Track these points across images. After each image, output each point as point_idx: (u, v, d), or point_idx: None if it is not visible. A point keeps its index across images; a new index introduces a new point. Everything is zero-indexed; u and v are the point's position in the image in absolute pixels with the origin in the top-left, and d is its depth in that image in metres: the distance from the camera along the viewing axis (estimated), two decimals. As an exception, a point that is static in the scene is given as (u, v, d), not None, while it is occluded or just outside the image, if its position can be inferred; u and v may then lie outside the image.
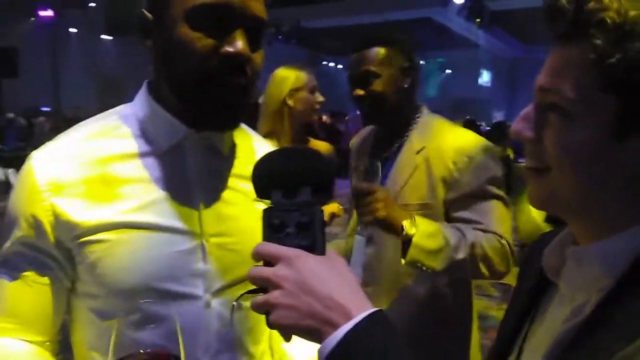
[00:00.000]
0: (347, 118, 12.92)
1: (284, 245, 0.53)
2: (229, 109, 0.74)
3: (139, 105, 0.82)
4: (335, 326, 0.49)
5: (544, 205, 0.59)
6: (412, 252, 1.25)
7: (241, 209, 0.82)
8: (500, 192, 1.40)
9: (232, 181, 0.83)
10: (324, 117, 13.12)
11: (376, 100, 1.46)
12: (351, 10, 14.76)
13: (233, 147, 0.86)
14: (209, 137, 0.81)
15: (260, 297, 0.52)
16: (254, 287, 0.78)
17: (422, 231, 1.26)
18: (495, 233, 1.34)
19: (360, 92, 1.46)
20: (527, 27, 15.69)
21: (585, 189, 0.54)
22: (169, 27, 0.72)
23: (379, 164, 1.47)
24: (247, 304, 0.77)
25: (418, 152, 1.43)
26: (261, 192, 0.59)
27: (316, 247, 0.54)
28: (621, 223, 0.53)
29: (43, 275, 0.77)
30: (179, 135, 0.79)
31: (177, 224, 0.77)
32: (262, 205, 0.81)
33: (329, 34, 17.03)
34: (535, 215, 5.98)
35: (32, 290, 0.77)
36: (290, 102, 1.95)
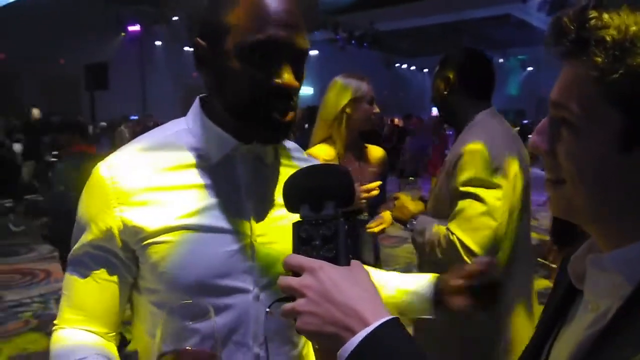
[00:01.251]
0: (418, 119, 12.64)
1: (311, 256, 0.58)
2: (275, 126, 0.83)
3: (192, 120, 0.90)
4: (353, 332, 0.53)
5: (563, 215, 0.61)
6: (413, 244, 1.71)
7: (283, 213, 0.86)
8: (477, 192, 1.53)
9: (276, 188, 0.92)
10: (396, 120, 12.99)
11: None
12: (426, 10, 14.49)
13: (276, 157, 0.95)
14: (256, 149, 0.89)
15: (288, 305, 0.57)
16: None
17: (416, 230, 1.68)
18: (449, 230, 1.55)
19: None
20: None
21: (597, 200, 0.56)
22: (221, 58, 0.80)
23: None
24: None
25: (451, 151, 1.68)
26: (291, 206, 0.65)
27: (339, 258, 0.58)
28: (636, 232, 0.55)
29: (110, 273, 0.86)
30: (229, 148, 0.87)
31: (229, 226, 0.85)
32: None
33: (403, 35, 16.83)
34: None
35: (100, 287, 0.86)
36: (348, 111, 2.02)
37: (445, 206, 1.62)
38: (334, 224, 0.59)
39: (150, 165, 0.85)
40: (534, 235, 2.26)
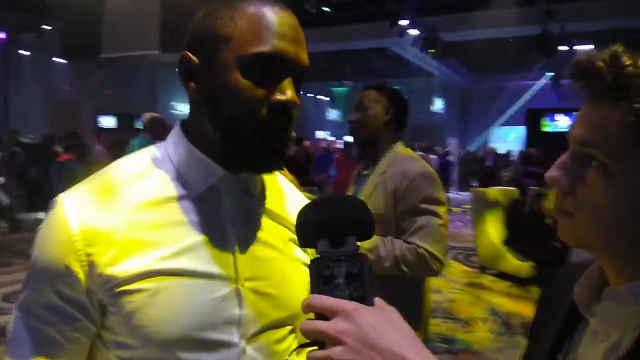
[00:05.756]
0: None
1: (335, 296, 0.52)
2: (275, 151, 0.75)
3: (172, 146, 0.81)
4: None
5: (573, 244, 0.63)
6: None
7: (274, 251, 0.82)
8: (433, 208, 1.81)
9: (264, 222, 0.83)
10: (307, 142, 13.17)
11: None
12: (312, 38, 15.00)
13: (263, 188, 0.86)
14: (243, 178, 0.80)
15: (321, 353, 0.51)
16: (284, 331, 0.81)
17: (365, 246, 1.72)
18: (414, 244, 1.77)
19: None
20: (478, 58, 16.44)
21: (616, 237, 0.58)
22: (218, 73, 0.73)
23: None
24: (279, 348, 0.81)
25: (381, 174, 1.91)
26: (306, 241, 0.59)
27: (367, 297, 0.53)
28: None
29: (69, 326, 0.73)
30: (215, 177, 0.78)
31: (214, 268, 0.75)
32: (299, 250, 0.84)
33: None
34: (494, 238, 6.22)
35: (55, 341, 0.73)
36: None
37: (388, 227, 1.83)
38: (359, 261, 0.54)
39: (123, 200, 0.74)
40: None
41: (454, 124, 21.39)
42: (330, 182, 9.76)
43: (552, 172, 0.62)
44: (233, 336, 0.76)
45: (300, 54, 0.74)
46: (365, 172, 2.04)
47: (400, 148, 1.99)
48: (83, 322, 0.74)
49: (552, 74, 16.64)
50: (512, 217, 6.05)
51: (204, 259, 0.75)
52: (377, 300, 0.54)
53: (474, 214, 6.73)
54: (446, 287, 5.41)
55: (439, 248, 1.79)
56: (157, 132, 5.09)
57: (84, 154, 6.14)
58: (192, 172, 0.78)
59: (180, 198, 0.77)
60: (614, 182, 0.57)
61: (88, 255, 0.71)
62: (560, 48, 13.34)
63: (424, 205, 1.81)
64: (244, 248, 0.79)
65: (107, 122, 16.90)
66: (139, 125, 13.08)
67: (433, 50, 13.83)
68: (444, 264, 1.82)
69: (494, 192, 6.77)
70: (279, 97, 0.73)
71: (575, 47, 14.33)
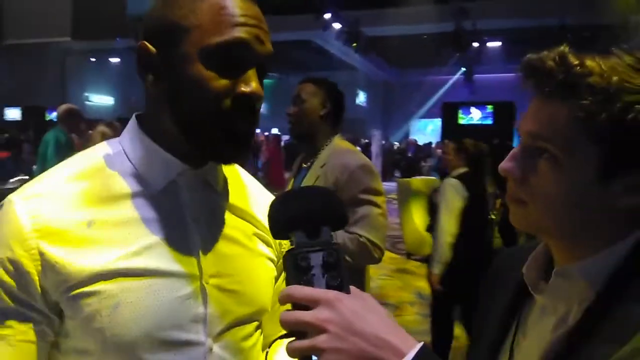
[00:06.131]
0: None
1: (313, 286, 0.53)
2: (240, 140, 0.73)
3: (128, 141, 0.77)
4: None
5: (525, 230, 0.68)
6: None
7: (238, 246, 0.81)
8: (372, 198, 1.87)
9: (227, 217, 0.81)
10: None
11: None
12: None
13: (225, 182, 0.83)
14: (204, 173, 0.78)
15: (305, 342, 0.51)
16: (251, 327, 0.82)
17: None
18: (356, 233, 1.82)
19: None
20: (398, 53, 17.00)
21: (567, 223, 0.63)
22: (179, 64, 0.70)
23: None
24: (245, 345, 0.80)
25: (322, 167, 1.93)
26: (280, 232, 0.59)
27: (344, 286, 0.54)
28: (597, 245, 0.63)
29: (27, 331, 0.68)
30: (174, 172, 0.75)
31: (177, 267, 0.72)
32: (263, 245, 0.84)
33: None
34: (418, 225, 6.51)
35: (13, 351, 0.67)
36: None
37: None
38: (335, 250, 0.55)
39: (79, 196, 0.71)
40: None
41: (377, 117, 22.00)
42: (258, 175, 9.76)
43: (505, 164, 0.66)
44: (199, 335, 0.74)
45: (265, 43, 0.72)
46: (305, 165, 2.07)
47: (338, 141, 2.03)
48: (40, 326, 0.69)
49: (465, 69, 17.60)
50: (433, 205, 6.37)
51: (165, 258, 0.72)
52: (352, 287, 0.54)
53: (399, 203, 6.99)
54: (376, 274, 5.59)
55: (379, 236, 1.86)
56: (73, 126, 4.79)
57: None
58: (151, 168, 0.75)
59: (138, 195, 0.74)
60: (563, 172, 0.61)
61: (42, 253, 0.67)
62: (473, 44, 14.12)
63: (363, 196, 1.86)
64: (207, 244, 0.77)
65: (12, 114, 15.59)
66: (50, 117, 12.21)
67: (355, 44, 14.13)
68: (384, 252, 1.89)
69: (417, 181, 7.08)
70: (243, 88, 0.70)
71: (487, 44, 15.23)
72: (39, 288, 0.67)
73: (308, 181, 1.97)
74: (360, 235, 1.83)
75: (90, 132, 4.13)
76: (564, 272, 0.65)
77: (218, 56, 0.69)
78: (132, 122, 0.79)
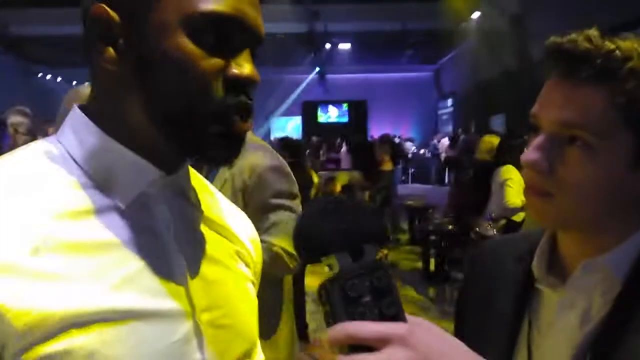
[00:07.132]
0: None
1: (365, 319, 0.44)
2: (234, 137, 0.57)
3: (75, 141, 0.58)
4: None
5: (552, 225, 0.65)
6: None
7: (222, 268, 0.66)
8: (286, 202, 1.70)
9: (206, 233, 0.65)
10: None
11: None
12: (67, 18, 13.32)
13: (195, 191, 0.67)
14: (177, 180, 0.62)
15: None
16: None
17: None
18: (268, 242, 1.63)
19: None
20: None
21: (598, 212, 0.61)
22: (154, 35, 0.53)
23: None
24: None
25: (229, 168, 1.67)
26: (316, 254, 0.47)
27: (400, 314, 0.45)
28: (622, 234, 0.62)
29: None
30: (145, 180, 0.58)
31: (166, 302, 0.56)
32: (243, 264, 0.71)
33: (46, 44, 15.04)
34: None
35: None
36: None
37: None
38: (386, 273, 0.45)
39: (22, 216, 0.51)
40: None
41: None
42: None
43: (531, 155, 0.61)
44: None
45: (259, 22, 0.58)
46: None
47: (248, 136, 1.83)
48: None
49: (319, 69, 18.28)
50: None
51: (151, 291, 0.55)
52: (408, 316, 0.46)
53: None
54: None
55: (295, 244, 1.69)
56: None
57: None
58: (113, 175, 0.57)
59: (100, 211, 0.55)
60: (597, 160, 0.59)
61: None
62: (326, 45, 14.72)
63: (275, 201, 1.69)
64: (194, 270, 0.60)
65: None
66: None
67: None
68: (299, 261, 1.69)
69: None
70: (237, 70, 0.55)
71: (338, 46, 15.98)
72: None
73: (215, 186, 1.70)
74: (274, 245, 1.65)
75: None
76: (592, 265, 0.63)
77: (207, 29, 0.54)
78: (76, 115, 0.59)
